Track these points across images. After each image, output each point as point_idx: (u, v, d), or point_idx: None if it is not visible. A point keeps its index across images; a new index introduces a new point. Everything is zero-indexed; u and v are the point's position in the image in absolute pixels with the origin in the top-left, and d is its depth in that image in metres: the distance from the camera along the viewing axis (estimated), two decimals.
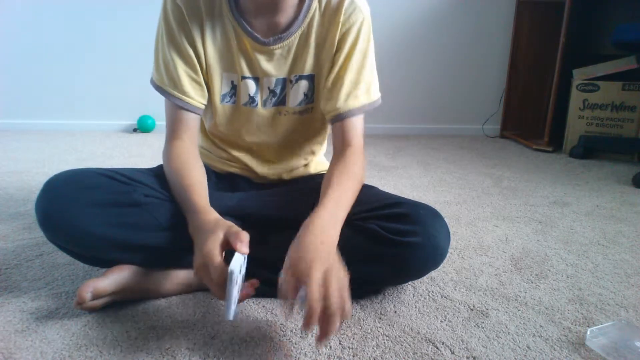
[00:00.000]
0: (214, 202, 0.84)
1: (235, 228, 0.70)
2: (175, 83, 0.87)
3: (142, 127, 2.76)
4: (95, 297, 0.78)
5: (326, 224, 0.72)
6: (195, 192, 0.81)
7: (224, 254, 0.69)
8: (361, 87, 0.89)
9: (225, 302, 0.67)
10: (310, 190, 0.95)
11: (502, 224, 1.32)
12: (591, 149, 2.29)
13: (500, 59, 2.89)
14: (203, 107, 0.91)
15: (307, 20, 0.87)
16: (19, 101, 2.74)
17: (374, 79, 0.92)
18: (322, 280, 0.64)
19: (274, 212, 0.95)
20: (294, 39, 0.87)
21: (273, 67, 0.89)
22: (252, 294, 0.73)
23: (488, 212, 1.42)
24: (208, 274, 0.68)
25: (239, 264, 0.66)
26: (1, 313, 0.80)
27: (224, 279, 0.66)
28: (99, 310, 0.81)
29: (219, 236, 0.69)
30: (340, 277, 0.66)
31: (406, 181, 1.77)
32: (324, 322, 0.63)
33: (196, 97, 0.89)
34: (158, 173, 0.91)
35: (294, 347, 0.72)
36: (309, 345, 0.73)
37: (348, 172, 0.83)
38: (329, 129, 1.03)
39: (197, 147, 0.92)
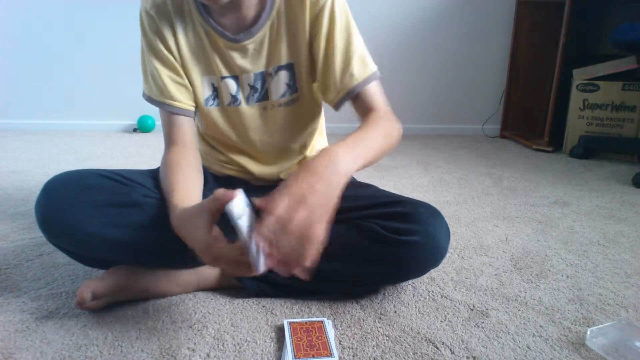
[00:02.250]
0: None
1: (209, 198, 0.65)
2: (162, 90, 0.88)
3: (142, 127, 2.76)
4: (96, 297, 0.78)
5: (342, 155, 0.67)
6: (175, 191, 0.78)
7: (217, 228, 0.65)
8: (355, 62, 0.86)
9: (249, 258, 0.61)
10: None
11: (502, 224, 1.32)
12: (591, 149, 2.28)
13: (500, 59, 2.89)
14: (193, 108, 0.91)
15: (275, 9, 0.85)
16: (19, 101, 2.75)
17: (366, 51, 0.89)
18: (297, 197, 0.59)
19: None
20: (265, 31, 0.86)
21: (249, 63, 0.89)
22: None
23: (488, 212, 1.42)
24: (218, 258, 0.64)
25: (239, 206, 0.61)
26: (1, 313, 0.80)
27: (234, 252, 0.62)
28: (99, 310, 0.81)
29: (202, 217, 0.65)
30: (316, 210, 0.60)
31: (406, 181, 1.77)
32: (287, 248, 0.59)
33: (184, 100, 0.89)
34: (156, 175, 0.91)
35: None
36: None
37: (371, 126, 0.80)
38: (319, 118, 1.02)
39: (195, 150, 0.91)
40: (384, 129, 0.82)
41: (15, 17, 2.63)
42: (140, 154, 2.17)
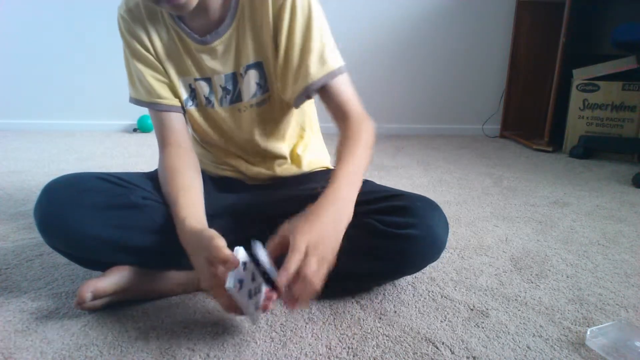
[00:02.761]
0: (211, 203, 0.84)
1: (215, 247, 0.68)
2: (149, 91, 0.89)
3: (142, 127, 2.76)
4: (96, 297, 0.78)
5: (346, 200, 0.73)
6: (181, 200, 0.80)
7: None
8: (312, 59, 0.83)
9: (247, 313, 0.70)
10: (307, 188, 0.95)
11: (502, 224, 1.32)
12: (591, 149, 2.28)
13: (500, 59, 2.89)
14: (180, 105, 0.92)
15: (240, 9, 0.85)
16: (19, 101, 2.75)
17: (327, 46, 0.85)
18: (306, 250, 0.65)
19: (272, 210, 0.94)
20: (232, 31, 0.86)
21: (219, 64, 0.89)
22: (270, 308, 0.72)
23: (488, 212, 1.42)
24: (215, 296, 0.71)
25: (234, 278, 0.66)
26: (1, 313, 0.80)
27: (231, 303, 0.69)
28: (99, 310, 0.81)
29: (203, 256, 0.70)
30: (326, 258, 0.67)
31: (406, 181, 1.77)
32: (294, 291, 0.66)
33: (170, 96, 0.90)
34: (154, 177, 0.91)
35: (294, 346, 0.72)
36: (309, 345, 0.73)
37: (356, 146, 0.80)
38: (290, 114, 0.99)
39: (190, 149, 0.92)
40: (366, 143, 0.82)
41: (15, 17, 2.63)
42: (140, 154, 2.17)
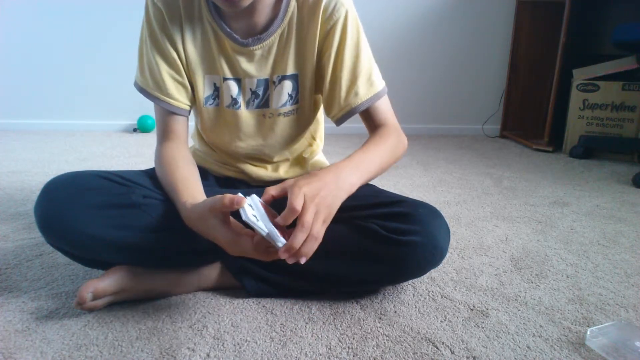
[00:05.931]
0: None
1: (217, 199, 0.68)
2: (160, 86, 0.87)
3: (142, 127, 2.76)
4: (96, 297, 0.78)
5: (347, 172, 0.75)
6: (181, 187, 0.80)
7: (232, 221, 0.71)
8: (361, 81, 0.87)
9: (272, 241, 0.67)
10: None
11: (502, 224, 1.32)
12: (591, 149, 2.29)
13: (500, 59, 2.89)
14: (188, 108, 0.91)
15: (287, 19, 0.85)
16: (19, 101, 2.75)
17: (373, 68, 0.90)
18: (305, 200, 0.66)
19: (274, 208, 0.95)
20: (274, 39, 0.86)
21: (254, 68, 0.88)
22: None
23: (488, 212, 1.42)
24: (245, 252, 0.70)
25: (250, 212, 0.65)
26: (1, 313, 0.80)
27: (260, 245, 0.68)
28: (99, 310, 0.81)
29: (215, 218, 0.70)
30: (323, 211, 0.68)
31: (406, 181, 1.77)
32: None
33: (181, 99, 0.89)
34: (153, 174, 0.91)
35: (294, 346, 0.72)
36: (309, 345, 0.73)
37: (378, 142, 0.85)
38: (317, 124, 1.02)
39: (188, 148, 0.92)
40: (390, 145, 0.86)
41: (15, 17, 2.63)
42: (140, 154, 2.17)
